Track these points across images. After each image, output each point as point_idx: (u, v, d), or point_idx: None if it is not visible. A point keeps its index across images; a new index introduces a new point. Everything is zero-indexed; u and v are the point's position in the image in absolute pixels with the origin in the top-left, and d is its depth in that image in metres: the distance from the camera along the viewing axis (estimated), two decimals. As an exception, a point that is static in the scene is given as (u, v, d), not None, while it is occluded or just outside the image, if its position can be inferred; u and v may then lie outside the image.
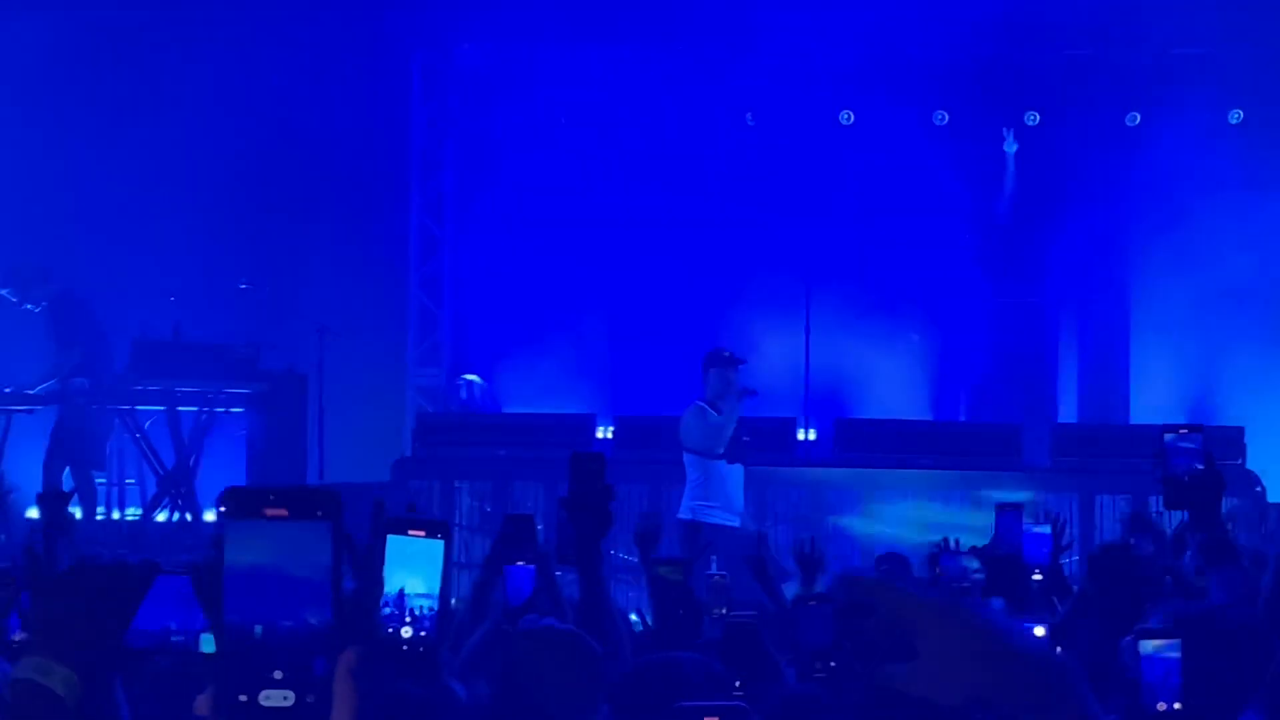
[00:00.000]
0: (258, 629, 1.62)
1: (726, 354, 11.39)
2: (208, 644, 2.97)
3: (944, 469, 12.89)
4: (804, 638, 4.97)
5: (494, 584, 5.17)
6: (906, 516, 12.49)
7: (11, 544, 10.00)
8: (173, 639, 3.00)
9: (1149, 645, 3.58)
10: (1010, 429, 13.43)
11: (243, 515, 1.64)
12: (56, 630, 2.29)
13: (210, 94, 14.75)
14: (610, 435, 13.77)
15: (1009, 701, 1.72)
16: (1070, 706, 1.72)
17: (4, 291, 13.23)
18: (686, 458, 11.31)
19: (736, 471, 11.27)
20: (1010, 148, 15.66)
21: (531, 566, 5.17)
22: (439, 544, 2.11)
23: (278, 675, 1.62)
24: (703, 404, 11.29)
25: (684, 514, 11.26)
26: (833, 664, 4.85)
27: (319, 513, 1.65)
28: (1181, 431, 4.71)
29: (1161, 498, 4.80)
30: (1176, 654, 3.56)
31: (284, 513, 1.64)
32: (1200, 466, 4.66)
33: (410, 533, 2.08)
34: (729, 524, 11.06)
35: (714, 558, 10.62)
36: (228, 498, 1.63)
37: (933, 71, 15.63)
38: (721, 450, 11.12)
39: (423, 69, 16.63)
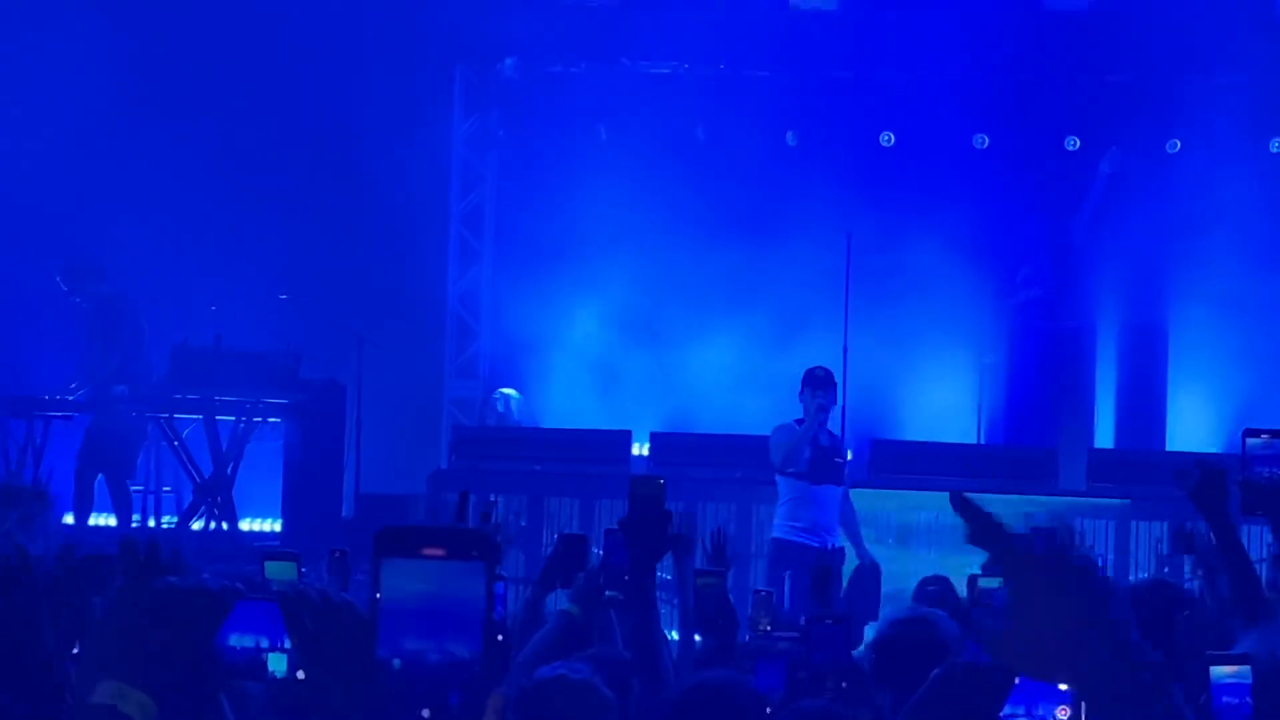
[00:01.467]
0: (400, 664, 1.63)
1: (819, 373, 11.48)
2: (278, 665, 2.99)
3: (979, 492, 12.83)
4: (817, 656, 4.96)
5: (545, 603, 5.17)
6: (942, 539, 12.45)
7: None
8: (259, 663, 3.01)
9: (1220, 671, 3.58)
10: (1046, 453, 13.41)
11: (400, 554, 1.65)
12: (133, 655, 2.26)
13: (252, 104, 14.82)
14: (646, 452, 13.78)
15: (1097, 691, 1.69)
16: (1159, 711, 1.69)
17: (58, 279, 13.29)
18: (777, 478, 11.43)
19: (826, 493, 11.31)
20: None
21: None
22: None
23: (425, 714, 1.64)
24: (791, 422, 11.42)
25: (773, 532, 11.42)
26: (844, 684, 4.85)
27: (474, 553, 1.66)
28: (1264, 436, 4.58)
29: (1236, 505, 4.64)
30: (1248, 680, 3.55)
31: (441, 552, 1.65)
32: None
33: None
34: (814, 544, 11.11)
35: (788, 574, 10.67)
36: (385, 536, 1.65)
37: (973, 95, 15.61)
38: (802, 469, 11.21)
39: (464, 83, 16.68)
